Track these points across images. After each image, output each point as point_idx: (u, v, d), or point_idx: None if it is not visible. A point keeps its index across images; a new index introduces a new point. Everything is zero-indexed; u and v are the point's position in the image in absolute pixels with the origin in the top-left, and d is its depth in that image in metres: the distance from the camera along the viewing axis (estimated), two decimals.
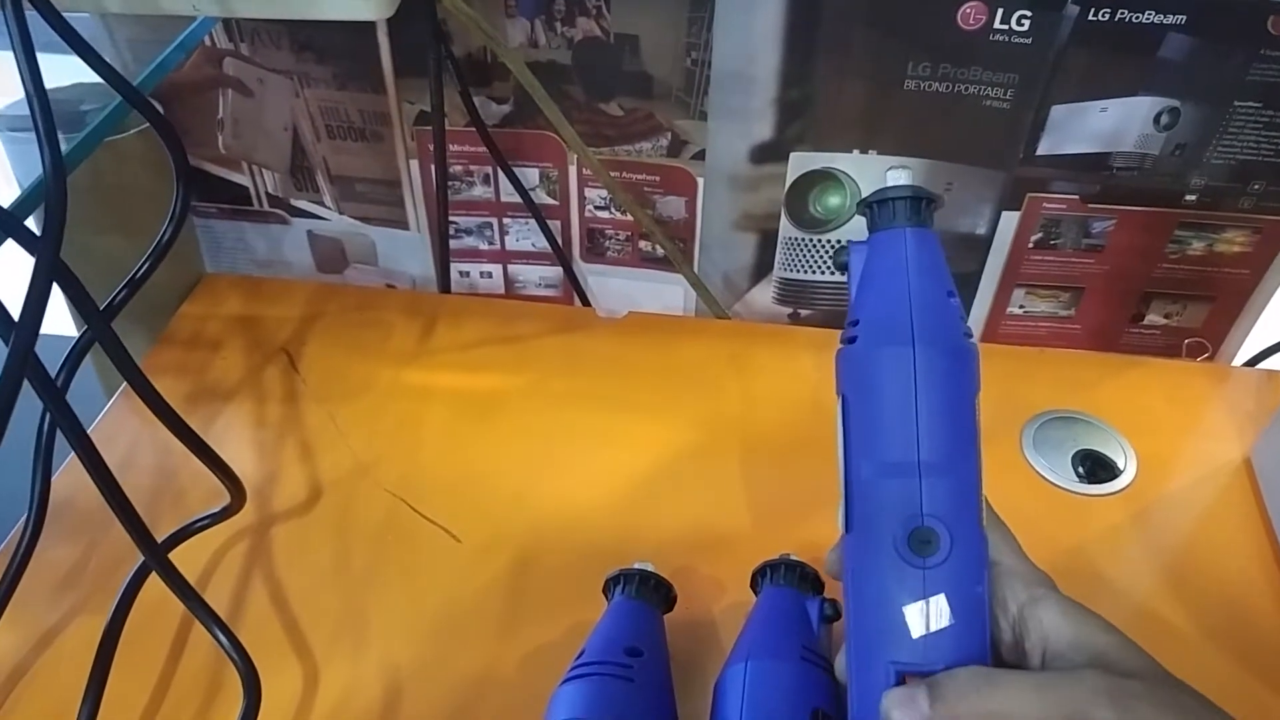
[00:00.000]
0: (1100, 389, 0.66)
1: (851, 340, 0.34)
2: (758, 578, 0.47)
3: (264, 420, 0.63)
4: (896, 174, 0.34)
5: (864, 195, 0.35)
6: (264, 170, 0.71)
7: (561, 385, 0.65)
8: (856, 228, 0.65)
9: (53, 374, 0.36)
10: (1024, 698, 0.29)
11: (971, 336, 0.34)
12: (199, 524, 0.51)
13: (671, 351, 0.68)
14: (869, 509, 0.33)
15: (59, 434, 0.39)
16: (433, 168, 0.68)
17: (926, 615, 0.31)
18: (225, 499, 0.49)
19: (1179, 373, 0.69)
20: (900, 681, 0.32)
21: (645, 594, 0.46)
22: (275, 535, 0.55)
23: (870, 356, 0.33)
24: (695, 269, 0.72)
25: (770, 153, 0.65)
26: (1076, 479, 0.59)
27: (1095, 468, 0.60)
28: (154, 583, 0.40)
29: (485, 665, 0.49)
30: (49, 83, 0.36)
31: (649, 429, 0.61)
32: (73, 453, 0.37)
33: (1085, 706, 0.28)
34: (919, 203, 0.34)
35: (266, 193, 0.73)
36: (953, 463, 0.32)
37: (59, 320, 0.42)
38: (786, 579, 0.45)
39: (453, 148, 0.68)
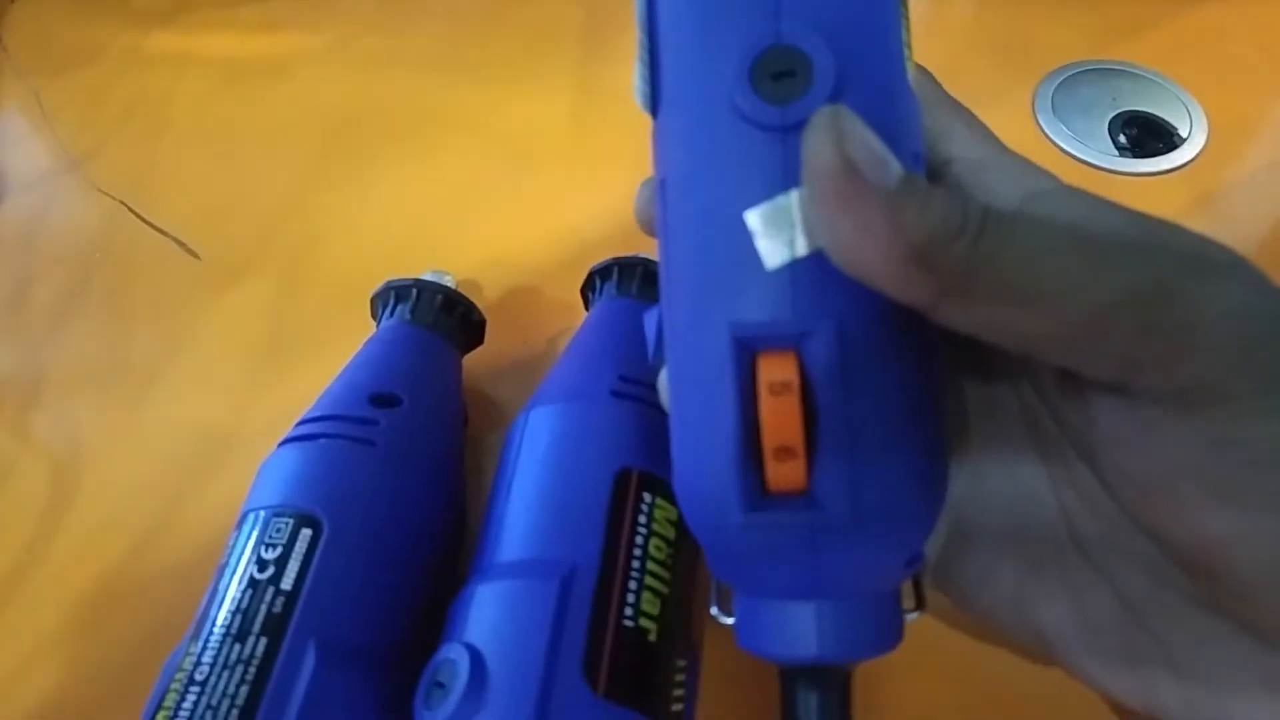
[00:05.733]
0: (1151, 32, 0.49)
1: None
2: (586, 292, 0.31)
3: None
4: None
5: None
6: None
7: (371, 46, 0.48)
8: None
9: None
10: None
11: None
12: None
13: None
14: (684, 50, 0.16)
15: None
16: None
17: (792, 222, 0.14)
18: None
19: (1260, 6, 0.49)
20: (750, 362, 0.14)
21: (424, 317, 0.31)
22: None
23: None
24: None
25: None
26: (1116, 152, 0.45)
27: (1145, 136, 0.45)
28: None
29: (211, 420, 0.34)
30: None
31: (486, 103, 0.45)
32: None
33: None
34: None
35: None
36: None
37: None
38: (621, 287, 0.30)
39: None
